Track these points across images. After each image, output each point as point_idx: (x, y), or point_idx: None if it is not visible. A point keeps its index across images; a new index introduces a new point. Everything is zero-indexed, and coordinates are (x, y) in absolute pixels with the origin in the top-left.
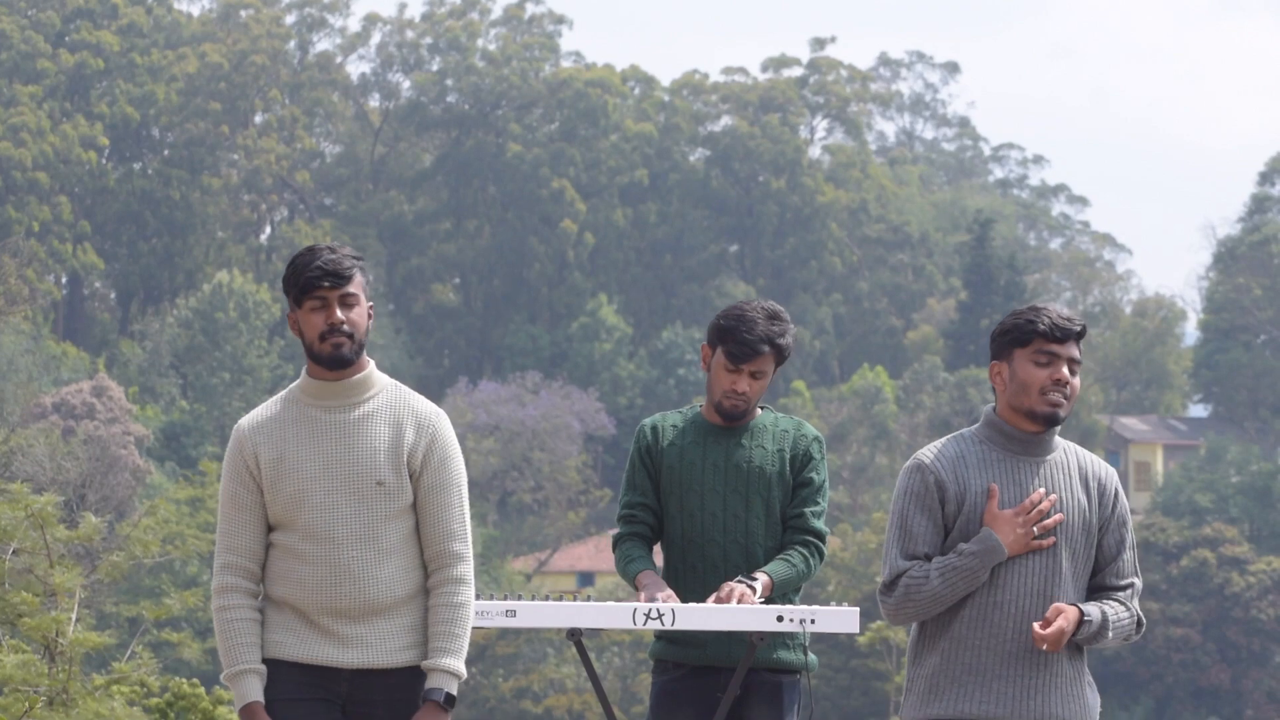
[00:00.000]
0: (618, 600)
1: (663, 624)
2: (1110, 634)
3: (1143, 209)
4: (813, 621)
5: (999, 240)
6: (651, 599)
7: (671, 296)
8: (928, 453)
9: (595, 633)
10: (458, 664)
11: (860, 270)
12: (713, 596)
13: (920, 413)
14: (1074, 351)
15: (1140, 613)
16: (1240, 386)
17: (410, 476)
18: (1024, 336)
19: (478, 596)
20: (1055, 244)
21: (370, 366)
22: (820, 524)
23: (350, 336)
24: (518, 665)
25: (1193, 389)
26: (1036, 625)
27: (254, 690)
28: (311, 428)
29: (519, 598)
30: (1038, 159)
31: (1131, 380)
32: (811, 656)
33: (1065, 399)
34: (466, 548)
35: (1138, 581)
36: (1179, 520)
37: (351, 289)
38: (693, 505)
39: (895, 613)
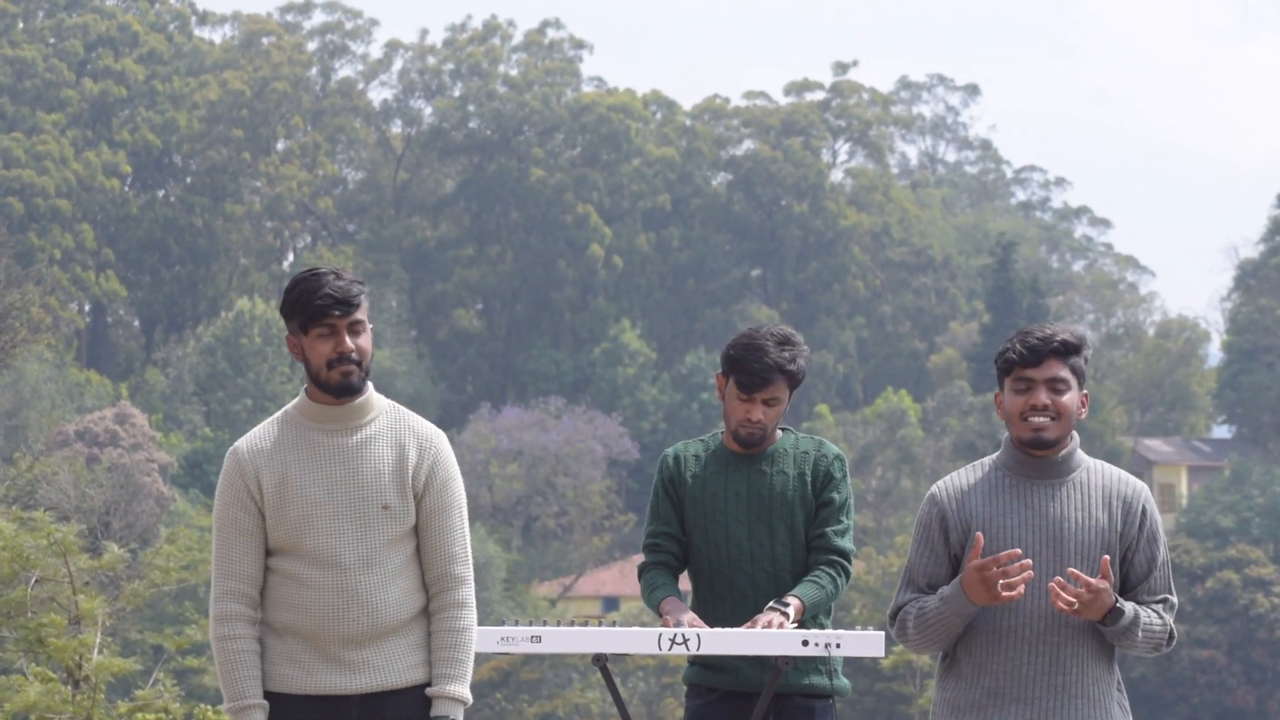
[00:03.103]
0: (643, 625)
1: (688, 649)
2: (1140, 634)
3: (1165, 231)
4: (838, 645)
5: (1021, 263)
6: (676, 624)
7: (695, 321)
8: (940, 482)
9: (620, 658)
10: (463, 690)
11: (883, 293)
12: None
13: (946, 436)
14: (1056, 370)
15: (1173, 626)
16: (1264, 408)
17: (414, 498)
18: (1006, 366)
19: (503, 623)
20: (1078, 266)
21: (370, 389)
22: (843, 542)
23: (359, 364)
24: (543, 691)
25: (1216, 410)
26: (1056, 583)
27: None
28: (314, 451)
29: (544, 623)
30: (1060, 181)
31: (1155, 402)
32: (843, 681)
33: (1052, 420)
34: (468, 570)
35: (1171, 598)
36: (1203, 542)
37: (359, 315)
38: (718, 537)
39: (900, 641)
